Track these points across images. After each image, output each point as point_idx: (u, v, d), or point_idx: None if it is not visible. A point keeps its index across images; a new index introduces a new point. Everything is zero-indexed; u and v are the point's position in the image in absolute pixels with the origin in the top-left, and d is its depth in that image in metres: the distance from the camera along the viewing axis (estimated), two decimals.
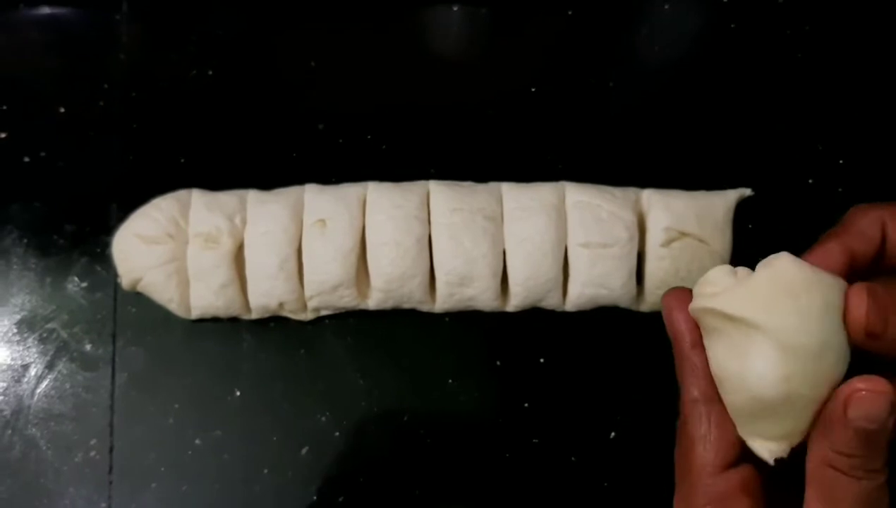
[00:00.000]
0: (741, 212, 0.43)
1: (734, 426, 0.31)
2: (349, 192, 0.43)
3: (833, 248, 0.32)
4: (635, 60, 0.49)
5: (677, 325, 0.34)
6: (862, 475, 0.28)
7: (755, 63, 0.48)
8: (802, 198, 0.46)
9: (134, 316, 0.44)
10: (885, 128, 0.47)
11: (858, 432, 0.27)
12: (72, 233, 0.45)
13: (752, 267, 0.44)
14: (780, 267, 0.30)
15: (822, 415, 0.29)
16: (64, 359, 0.43)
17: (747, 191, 0.43)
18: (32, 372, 0.43)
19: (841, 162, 0.46)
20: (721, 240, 0.42)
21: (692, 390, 0.33)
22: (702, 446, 0.32)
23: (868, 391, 0.27)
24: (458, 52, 0.49)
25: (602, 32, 0.49)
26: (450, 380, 0.44)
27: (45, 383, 0.43)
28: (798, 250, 0.45)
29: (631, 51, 0.49)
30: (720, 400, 0.32)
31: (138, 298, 0.44)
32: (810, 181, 0.46)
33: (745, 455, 0.32)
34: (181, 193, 0.43)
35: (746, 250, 0.43)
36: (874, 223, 0.33)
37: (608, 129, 0.47)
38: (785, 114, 0.47)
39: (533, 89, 0.48)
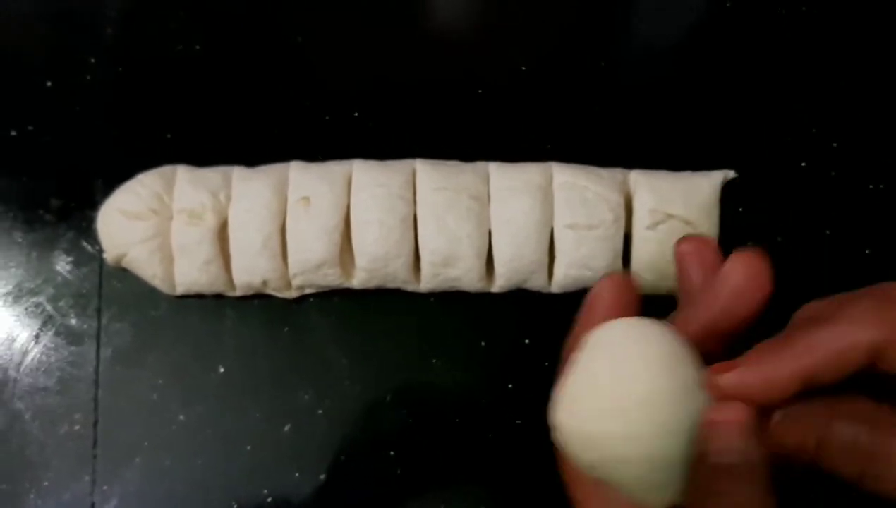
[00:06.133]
0: (732, 194, 0.43)
1: None
2: (334, 170, 0.43)
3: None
4: (627, 40, 0.48)
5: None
6: None
7: (749, 44, 0.47)
8: (795, 181, 0.45)
9: (119, 292, 0.44)
10: (879, 112, 0.46)
11: (722, 469, 0.25)
12: (58, 207, 0.45)
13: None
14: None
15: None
16: (49, 333, 0.44)
17: (731, 173, 0.42)
18: (18, 345, 0.43)
19: (834, 145, 0.46)
20: (707, 221, 0.41)
21: None
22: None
23: (721, 421, 0.26)
24: (447, 30, 0.49)
25: (594, 11, 0.48)
26: (434, 360, 0.43)
27: (30, 357, 0.43)
28: (786, 233, 0.44)
29: (623, 30, 0.48)
30: None
31: (123, 273, 0.44)
32: (803, 164, 0.46)
33: None
34: (166, 169, 0.43)
35: (737, 233, 0.43)
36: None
37: (598, 110, 0.46)
38: (779, 97, 0.46)
39: (523, 68, 0.47)
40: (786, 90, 0.46)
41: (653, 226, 0.41)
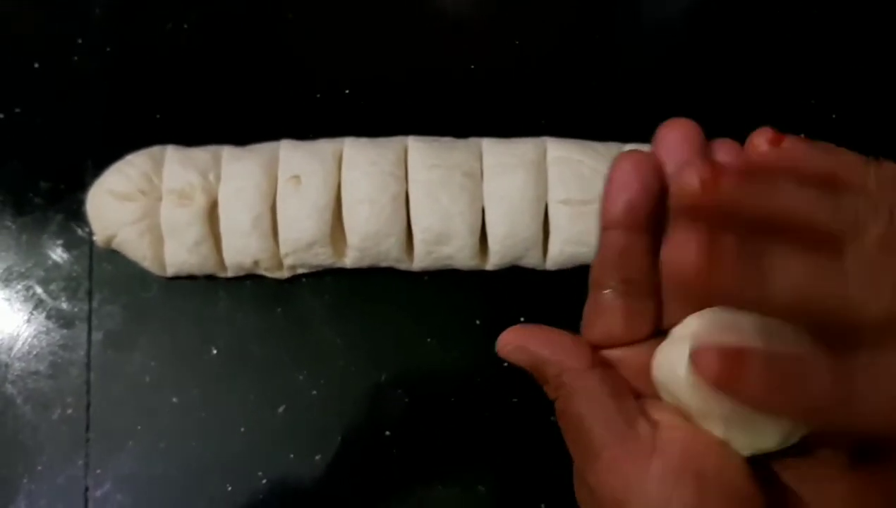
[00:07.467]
0: None
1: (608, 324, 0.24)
2: (324, 148, 0.42)
3: None
4: (622, 14, 0.48)
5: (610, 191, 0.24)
6: None
7: (746, 16, 0.47)
8: None
9: (110, 274, 0.44)
10: (878, 83, 0.45)
11: None
12: (48, 190, 0.44)
13: None
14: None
15: None
16: (40, 317, 0.43)
17: None
18: (9, 329, 0.43)
19: (834, 116, 0.45)
20: None
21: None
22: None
23: None
24: (439, 5, 0.48)
25: None
26: (428, 339, 0.43)
27: (21, 341, 0.43)
28: None
29: (618, 4, 0.48)
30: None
31: (114, 256, 0.43)
32: (802, 135, 0.45)
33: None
34: (155, 149, 0.43)
35: None
36: None
37: (593, 83, 0.46)
38: (777, 68, 0.46)
39: (517, 42, 0.46)
40: (784, 61, 0.46)
41: None
